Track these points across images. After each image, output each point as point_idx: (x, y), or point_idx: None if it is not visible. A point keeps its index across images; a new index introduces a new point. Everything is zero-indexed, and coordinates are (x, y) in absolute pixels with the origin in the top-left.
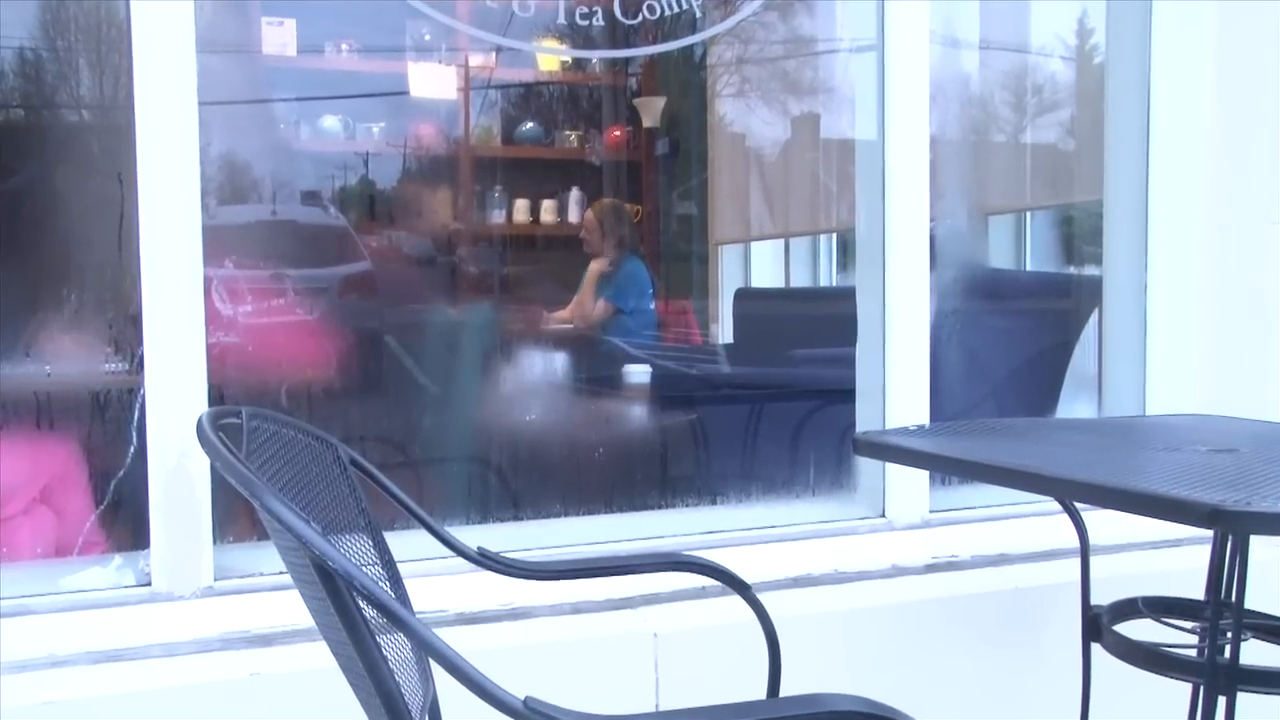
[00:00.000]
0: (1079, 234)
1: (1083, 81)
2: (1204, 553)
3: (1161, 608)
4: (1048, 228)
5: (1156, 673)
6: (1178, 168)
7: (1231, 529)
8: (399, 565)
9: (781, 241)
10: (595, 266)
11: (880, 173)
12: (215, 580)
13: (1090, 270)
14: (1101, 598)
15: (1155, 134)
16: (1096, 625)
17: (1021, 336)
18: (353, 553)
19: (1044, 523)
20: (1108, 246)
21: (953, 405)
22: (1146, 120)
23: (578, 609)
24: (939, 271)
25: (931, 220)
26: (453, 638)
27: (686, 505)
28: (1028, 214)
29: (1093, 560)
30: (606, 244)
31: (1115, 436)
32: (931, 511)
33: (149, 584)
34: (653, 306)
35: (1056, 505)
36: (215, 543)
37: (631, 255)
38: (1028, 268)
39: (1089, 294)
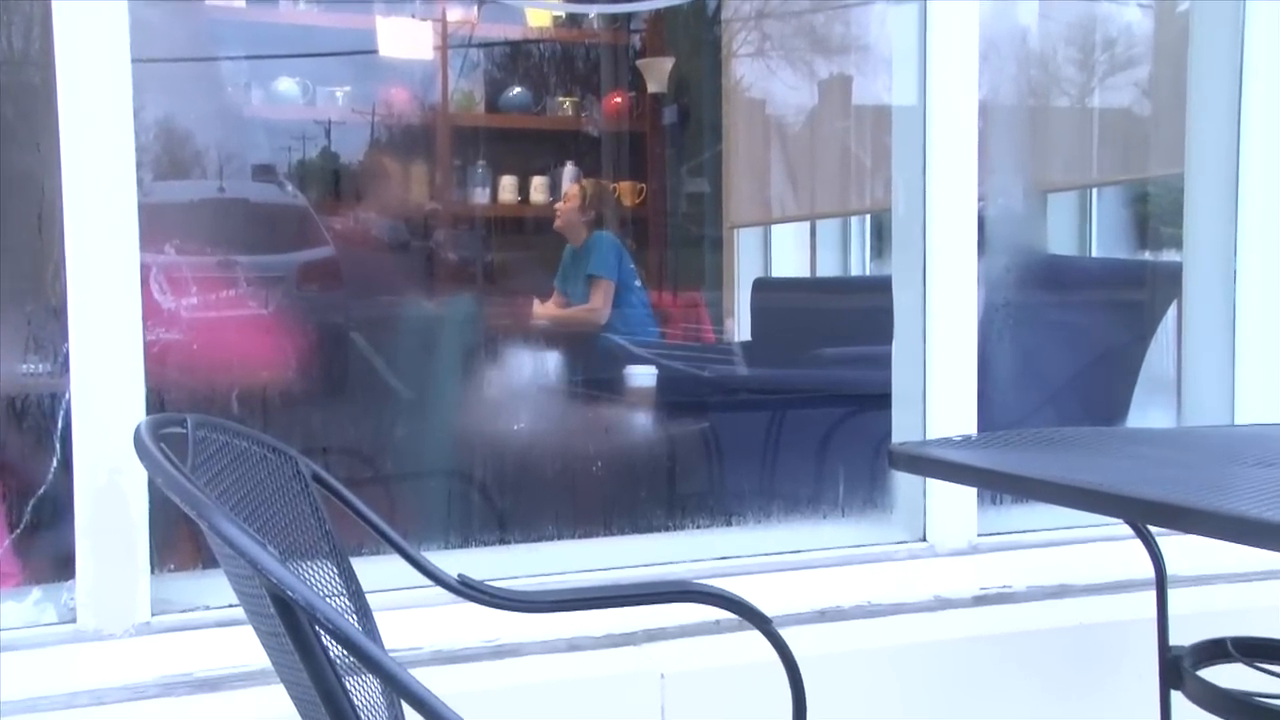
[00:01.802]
0: (1155, 213)
1: (1162, 33)
2: None
3: (1254, 650)
4: (1118, 206)
5: None
6: (1275, 135)
7: None
8: (368, 596)
9: (807, 224)
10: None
11: (921, 144)
12: (153, 615)
13: (1168, 255)
14: (1182, 637)
15: (1249, 95)
16: (1177, 669)
17: (1086, 333)
18: (315, 581)
19: (1112, 549)
20: (1189, 228)
21: (1004, 413)
22: (1239, 79)
23: (573, 645)
24: (989, 258)
25: (980, 199)
26: (430, 679)
27: (697, 527)
28: (1094, 191)
29: (1171, 593)
30: (581, 220)
31: (1197, 449)
32: (980, 535)
33: (74, 621)
34: (639, 283)
35: (1127, 529)
36: (153, 572)
37: (600, 231)
38: (1093, 253)
39: (1166, 283)
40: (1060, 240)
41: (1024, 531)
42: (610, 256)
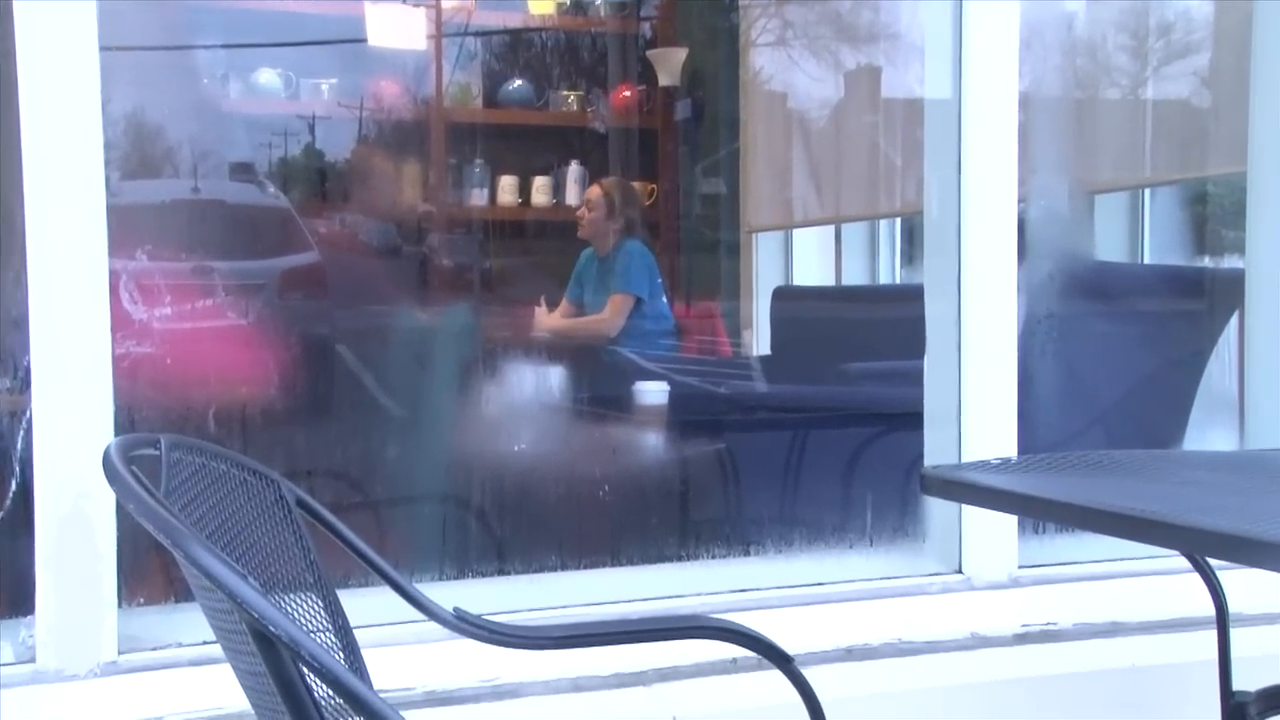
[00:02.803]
0: (1215, 215)
1: (1224, 17)
2: None
3: None
4: (1173, 208)
5: None
6: None
7: None
8: (356, 631)
9: (831, 228)
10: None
11: (956, 140)
12: (120, 654)
13: (1229, 261)
14: (1247, 681)
15: None
16: (1241, 716)
17: (1138, 347)
18: (299, 615)
19: (1168, 584)
20: (1252, 231)
21: (1048, 433)
22: None
23: (578, 685)
24: (1030, 265)
25: (1021, 200)
26: None
27: (713, 557)
28: (1147, 191)
29: (1234, 633)
30: (610, 228)
31: (1262, 474)
32: (1021, 567)
33: (33, 660)
34: (665, 299)
35: (1184, 562)
36: (120, 606)
37: (631, 238)
38: (1145, 259)
39: (1227, 292)
40: (1109, 245)
41: (1070, 564)
42: (642, 271)
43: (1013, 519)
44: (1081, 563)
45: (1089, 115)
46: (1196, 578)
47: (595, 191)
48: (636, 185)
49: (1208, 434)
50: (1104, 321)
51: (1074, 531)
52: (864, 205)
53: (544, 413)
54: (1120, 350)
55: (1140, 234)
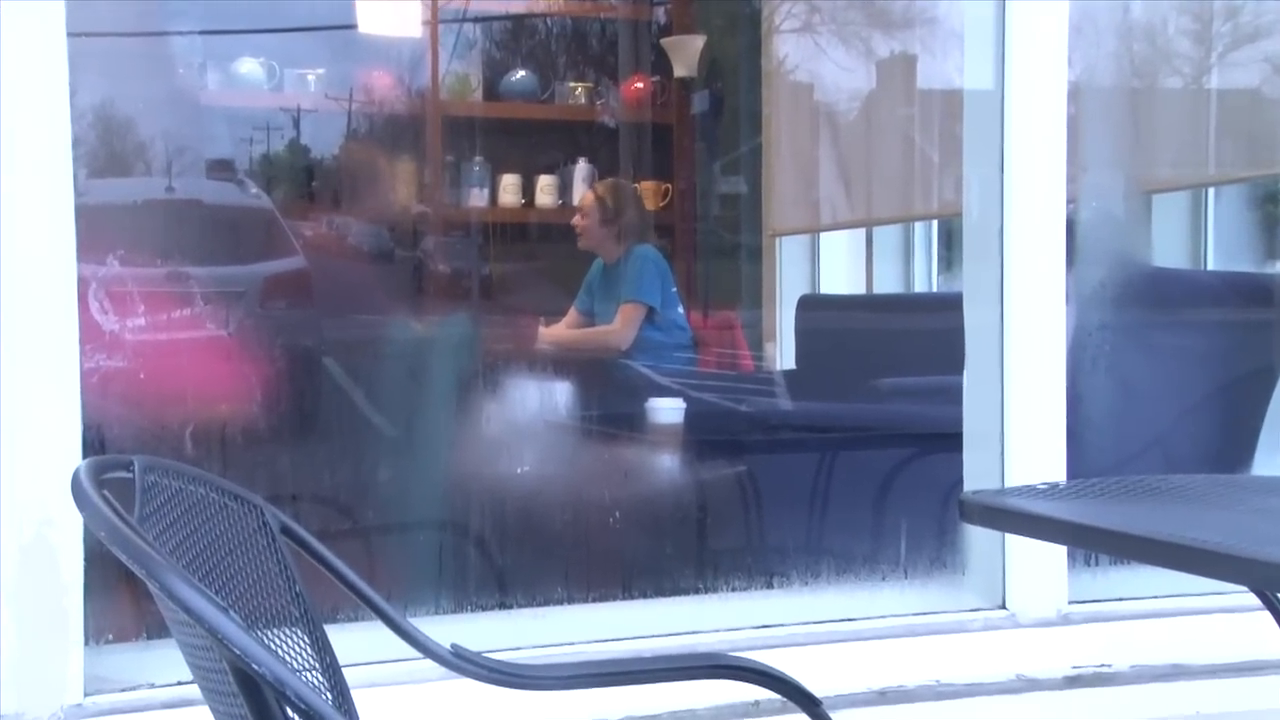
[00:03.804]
0: None
1: None
2: None
3: None
4: (1240, 209)
5: None
6: None
7: None
8: (345, 670)
9: (862, 232)
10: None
11: (999, 135)
12: (87, 696)
13: None
14: None
15: None
16: None
17: (1200, 361)
18: (284, 652)
19: (1236, 622)
20: None
21: (1100, 456)
22: None
23: None
24: (1080, 271)
25: (1070, 200)
26: None
27: (733, 589)
28: (1210, 191)
29: None
30: (609, 234)
31: None
32: (1071, 603)
33: None
34: (681, 309)
35: (1253, 599)
36: (87, 644)
37: (641, 243)
38: (1209, 265)
39: None
40: (1168, 250)
41: (1125, 599)
42: (653, 279)
43: (1062, 550)
44: (1138, 598)
45: (1146, 106)
46: (1267, 616)
47: (588, 197)
48: (649, 185)
49: (1278, 457)
50: (1162, 333)
51: (1130, 564)
52: (897, 206)
53: (549, 432)
54: (1180, 365)
55: (1203, 237)
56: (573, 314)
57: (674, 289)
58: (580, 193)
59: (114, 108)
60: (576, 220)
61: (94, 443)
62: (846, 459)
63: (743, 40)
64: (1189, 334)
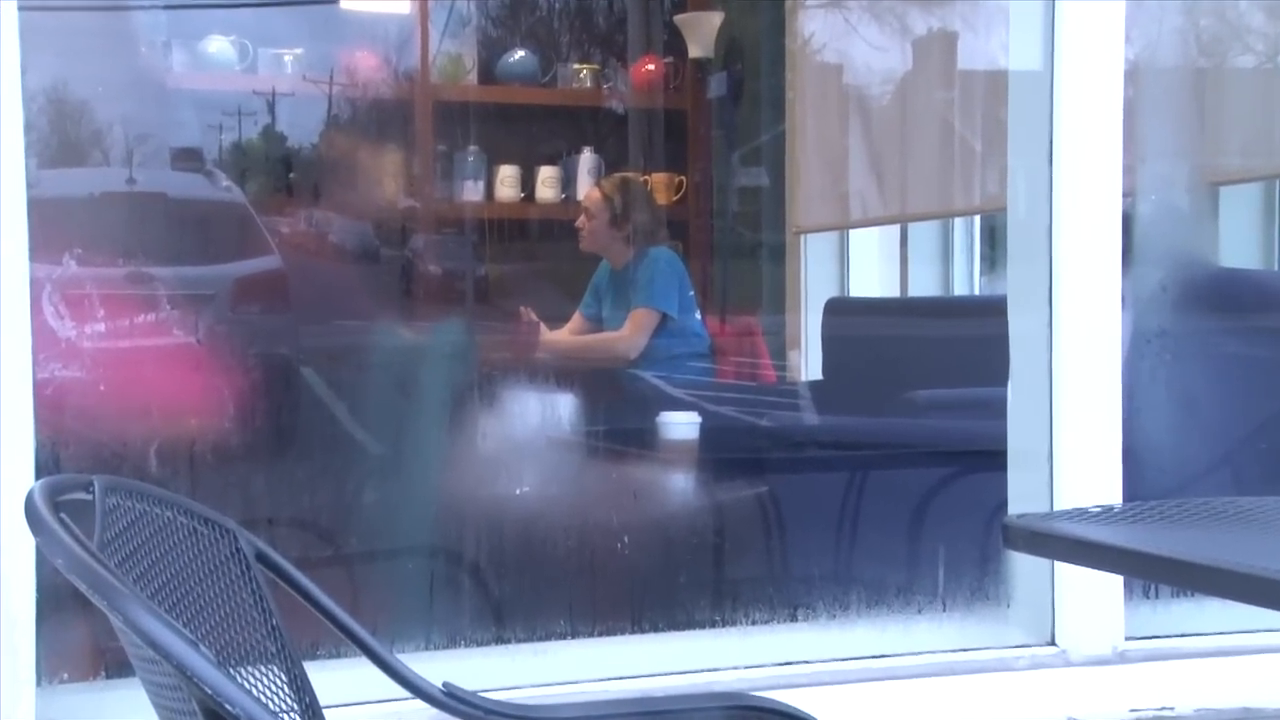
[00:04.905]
0: None
1: None
2: None
3: None
4: None
5: None
6: None
7: None
8: (327, 712)
9: (896, 229)
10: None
11: (1048, 121)
12: None
13: None
14: None
15: None
16: None
17: (1272, 371)
18: (260, 691)
19: None
20: None
21: (1160, 476)
22: None
23: None
24: (1138, 272)
25: (1126, 194)
26: None
27: (753, 623)
28: None
29: None
30: (616, 237)
31: None
32: (1129, 639)
33: None
34: (699, 315)
35: None
36: (40, 684)
37: (655, 245)
38: None
39: None
40: (1237, 249)
41: (1189, 635)
42: (669, 282)
43: (1117, 580)
44: (1203, 634)
45: (1214, 89)
46: None
47: (593, 195)
48: (661, 177)
49: None
50: (1230, 341)
51: (1193, 596)
52: (935, 200)
53: (551, 449)
54: (1249, 376)
55: (1277, 234)
56: (578, 320)
57: (691, 293)
58: (585, 186)
59: (69, 90)
60: (581, 221)
61: (49, 461)
62: (878, 479)
63: (764, 17)
64: (1260, 341)
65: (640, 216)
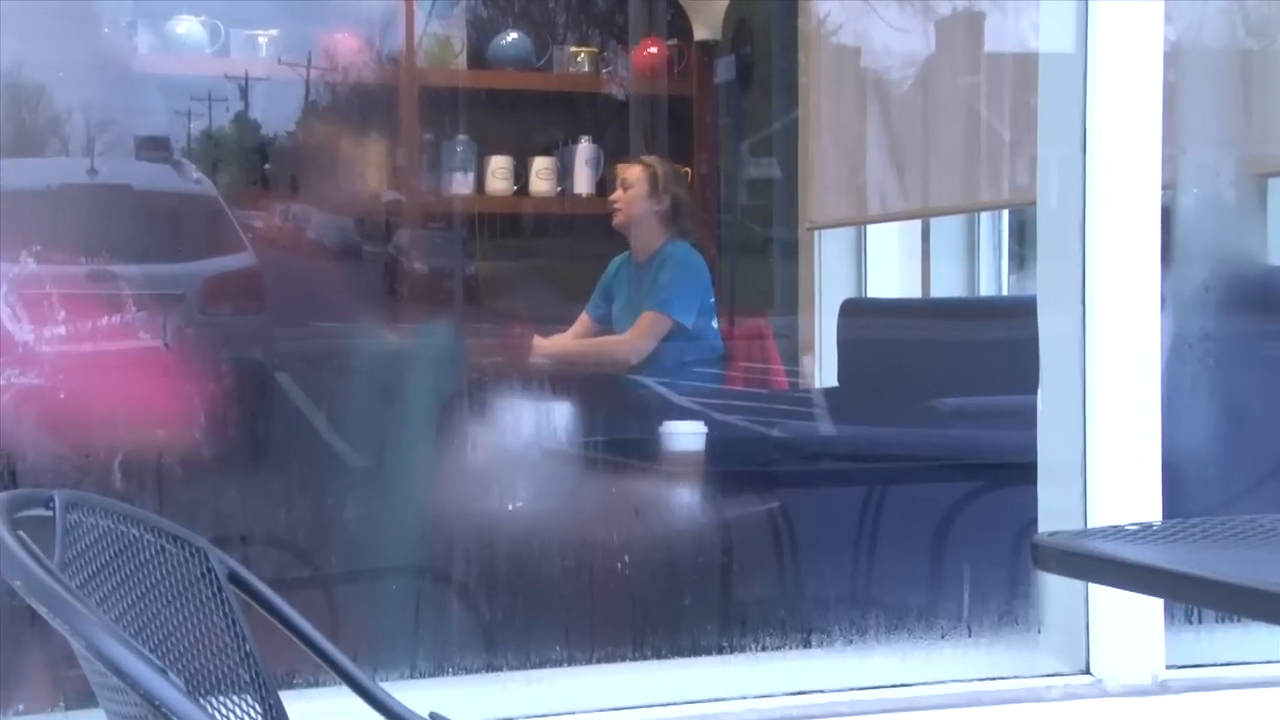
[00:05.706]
0: None
1: None
2: None
3: None
4: None
5: None
6: None
7: None
8: None
9: (917, 224)
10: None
11: (1081, 108)
12: None
13: None
14: None
15: None
16: None
17: None
18: None
19: None
20: None
21: (1205, 491)
22: None
23: None
24: (1179, 271)
25: (1166, 186)
26: None
27: (764, 649)
28: None
29: None
30: (654, 213)
31: None
32: (1170, 668)
33: None
34: (716, 323)
35: None
36: None
37: (679, 240)
38: None
39: None
40: None
41: (1234, 664)
42: (690, 287)
43: (1157, 604)
44: (1250, 663)
45: (1263, 72)
46: None
47: (634, 169)
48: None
49: None
50: (1278, 344)
51: (1240, 621)
52: (960, 194)
53: (546, 461)
54: None
55: None
56: (585, 321)
57: (712, 300)
58: (583, 178)
59: (24, 74)
60: (616, 195)
61: (5, 475)
62: (898, 494)
63: None
64: None
65: (680, 198)
